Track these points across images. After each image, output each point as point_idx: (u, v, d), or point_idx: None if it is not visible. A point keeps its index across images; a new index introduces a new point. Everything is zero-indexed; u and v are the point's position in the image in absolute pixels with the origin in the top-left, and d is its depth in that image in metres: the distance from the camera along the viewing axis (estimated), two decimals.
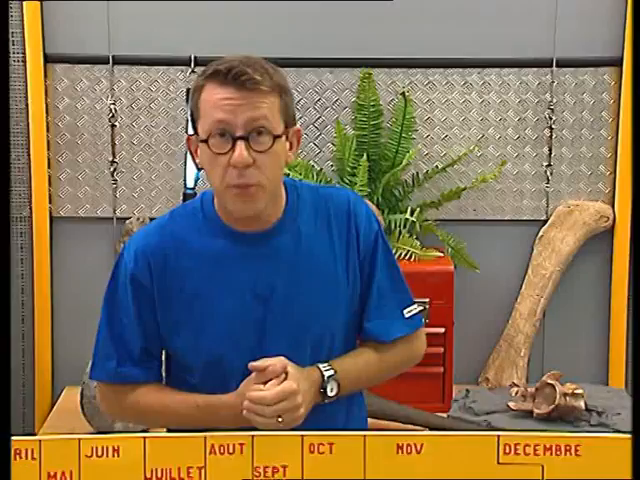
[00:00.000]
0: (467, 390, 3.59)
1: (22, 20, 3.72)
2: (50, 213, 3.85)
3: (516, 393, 3.39)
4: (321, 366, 2.12)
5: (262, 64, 2.07)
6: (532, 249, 3.87)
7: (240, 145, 2.01)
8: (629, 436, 1.61)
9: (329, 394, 2.11)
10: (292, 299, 2.16)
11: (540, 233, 3.86)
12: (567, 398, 3.24)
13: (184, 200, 3.75)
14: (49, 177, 3.83)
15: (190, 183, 3.76)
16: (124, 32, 3.77)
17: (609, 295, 3.88)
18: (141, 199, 3.87)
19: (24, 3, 3.70)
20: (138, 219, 3.84)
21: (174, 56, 3.77)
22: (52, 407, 3.79)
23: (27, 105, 3.78)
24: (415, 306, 2.29)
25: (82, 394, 3.55)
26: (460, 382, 3.66)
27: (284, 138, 2.10)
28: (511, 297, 3.89)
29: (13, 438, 1.59)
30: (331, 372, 2.12)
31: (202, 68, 3.51)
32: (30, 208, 3.83)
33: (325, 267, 2.20)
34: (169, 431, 2.23)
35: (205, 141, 2.05)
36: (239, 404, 2.03)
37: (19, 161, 3.82)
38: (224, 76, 2.02)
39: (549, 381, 3.32)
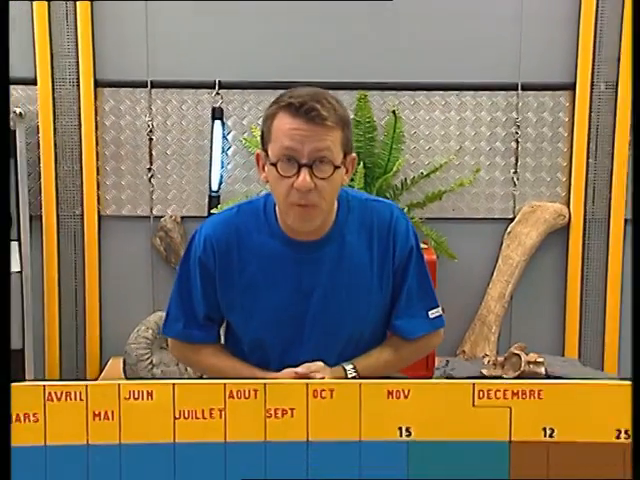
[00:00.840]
0: (447, 360, 3.60)
1: (77, 51, 3.69)
2: (98, 212, 3.82)
3: (488, 362, 3.40)
4: (347, 368, 2.10)
5: (329, 100, 2.01)
6: (502, 242, 3.82)
7: (304, 171, 1.95)
8: (579, 382, 1.64)
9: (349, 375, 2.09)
10: (330, 299, 2.12)
11: (508, 229, 3.81)
12: (530, 365, 3.25)
13: (209, 201, 3.74)
14: (97, 182, 3.79)
15: (214, 187, 3.76)
16: (160, 61, 3.73)
17: (565, 280, 3.84)
18: (173, 200, 3.82)
19: (79, 37, 3.66)
20: (171, 217, 3.80)
21: (201, 80, 3.73)
22: (100, 374, 3.76)
23: (80, 122, 3.73)
24: (439, 309, 2.23)
25: (124, 362, 3.53)
26: (441, 354, 3.59)
27: (342, 167, 2.04)
28: (484, 283, 3.83)
29: (65, 382, 1.59)
30: (354, 374, 2.10)
31: (225, 91, 3.61)
32: (82, 208, 3.79)
33: (362, 274, 2.15)
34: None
35: (274, 164, 1.98)
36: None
37: (73, 169, 3.77)
38: (296, 109, 1.95)
39: (515, 352, 3.33)
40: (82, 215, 3.79)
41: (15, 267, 3.42)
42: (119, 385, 1.57)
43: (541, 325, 3.87)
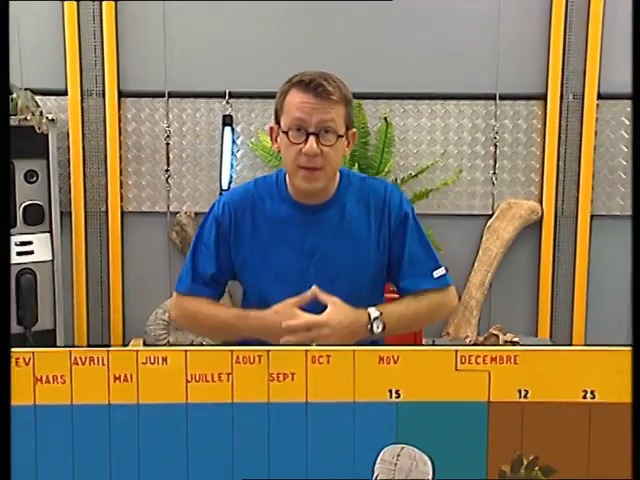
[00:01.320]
0: (433, 341, 3.60)
1: (102, 65, 3.69)
2: (121, 209, 3.81)
3: (469, 342, 3.39)
4: (370, 309, 2.06)
5: (334, 79, 2.07)
6: (482, 236, 3.81)
7: (312, 139, 2.01)
8: (550, 348, 1.64)
9: (375, 331, 2.05)
10: (331, 257, 2.12)
11: (488, 224, 3.80)
12: (507, 345, 3.22)
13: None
14: (120, 182, 3.78)
15: (225, 186, 3.75)
16: (176, 74, 3.73)
17: (538, 270, 3.83)
18: (188, 198, 3.81)
19: (105, 53, 3.66)
20: (185, 213, 3.79)
21: (213, 91, 3.73)
22: None
23: (105, 129, 3.73)
24: (443, 269, 2.21)
25: (144, 342, 3.54)
26: (428, 335, 3.59)
27: (344, 137, 2.08)
28: (466, 272, 3.82)
29: (89, 348, 1.65)
30: (377, 313, 2.05)
31: (234, 100, 3.60)
32: (107, 205, 3.79)
33: (359, 236, 2.16)
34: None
35: (286, 132, 2.05)
36: (268, 318, 2.03)
37: (99, 170, 3.76)
38: (306, 85, 2.02)
39: (494, 332, 3.33)
40: (107, 211, 3.79)
41: (47, 256, 3.41)
42: (137, 352, 1.55)
43: (517, 309, 3.86)
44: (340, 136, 2.05)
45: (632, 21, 1.62)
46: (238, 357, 1.55)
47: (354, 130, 2.15)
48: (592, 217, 3.76)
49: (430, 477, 1.58)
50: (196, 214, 3.78)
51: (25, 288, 3.31)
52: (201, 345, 3.30)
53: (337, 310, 2.02)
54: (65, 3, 3.62)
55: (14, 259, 3.29)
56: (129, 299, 3.87)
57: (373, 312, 2.05)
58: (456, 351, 1.55)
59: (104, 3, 3.64)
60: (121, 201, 3.80)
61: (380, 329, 2.05)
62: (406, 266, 2.17)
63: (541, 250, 3.80)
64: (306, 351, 1.57)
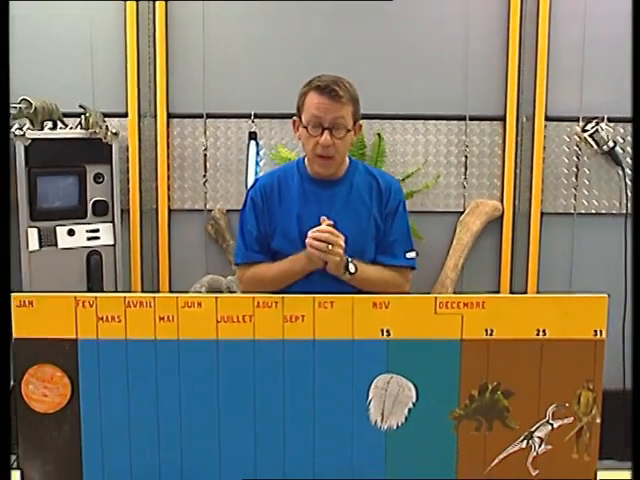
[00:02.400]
0: None
1: (155, 93, 3.66)
2: (168, 207, 3.76)
3: None
4: (350, 260, 2.06)
5: (345, 84, 2.10)
6: (455, 228, 3.75)
7: (326, 133, 2.05)
8: (511, 296, 1.72)
9: (350, 270, 2.05)
10: (342, 223, 2.09)
11: (460, 219, 3.74)
12: None
13: (245, 199, 3.68)
14: (168, 185, 3.74)
15: None
16: (212, 98, 3.69)
17: (500, 256, 3.77)
18: (221, 198, 3.76)
19: (157, 83, 3.63)
20: (219, 210, 3.74)
21: (241, 112, 3.69)
22: None
23: (156, 143, 3.70)
24: (414, 253, 2.22)
25: None
26: None
27: (352, 131, 2.12)
28: (442, 257, 3.76)
29: (140, 294, 1.62)
30: (353, 269, 2.06)
31: (258, 120, 3.57)
32: (157, 204, 3.75)
33: (362, 210, 2.16)
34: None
35: (305, 127, 2.08)
36: (304, 255, 2.05)
37: (151, 176, 3.72)
38: (321, 89, 2.06)
39: None
40: (157, 209, 3.75)
41: (111, 241, 3.39)
42: (177, 297, 1.53)
43: (483, 287, 3.79)
44: (349, 130, 2.08)
45: (632, 21, 1.56)
46: (259, 302, 1.54)
47: (360, 122, 2.16)
48: (542, 214, 3.71)
49: (414, 400, 1.56)
50: (227, 211, 3.74)
51: (93, 266, 3.29)
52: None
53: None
54: (128, 47, 3.61)
55: (85, 243, 3.28)
56: (174, 278, 3.82)
57: (351, 260, 2.06)
58: (435, 298, 1.54)
59: (157, 44, 3.62)
60: (168, 200, 3.76)
61: (353, 270, 2.05)
62: (387, 243, 2.17)
63: (502, 239, 3.75)
64: (314, 298, 1.55)
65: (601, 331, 1.51)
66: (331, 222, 2.02)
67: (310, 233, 2.00)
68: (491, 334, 1.52)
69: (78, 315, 1.51)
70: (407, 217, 2.23)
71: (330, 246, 1.98)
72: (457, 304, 1.52)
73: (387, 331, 1.53)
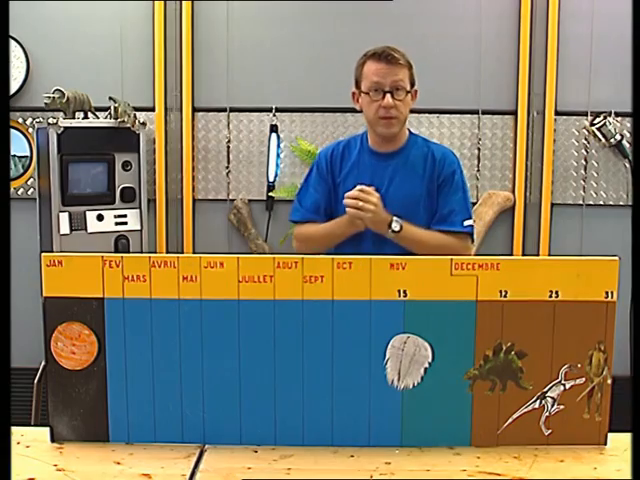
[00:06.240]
0: None
1: (180, 89, 3.65)
2: (193, 197, 3.75)
3: None
4: (394, 219, 2.07)
5: (399, 50, 2.12)
6: None
7: (387, 96, 2.08)
8: (525, 258, 1.66)
9: (394, 228, 2.05)
10: (394, 194, 2.12)
11: (474, 209, 3.66)
12: None
13: (267, 188, 3.68)
14: (192, 176, 3.72)
15: (271, 179, 3.69)
16: (235, 93, 3.68)
17: (512, 244, 3.71)
18: (243, 188, 3.73)
19: (183, 78, 3.62)
20: (241, 199, 3.71)
21: (263, 106, 3.66)
22: None
23: (182, 135, 3.68)
24: (472, 221, 2.18)
25: None
26: None
27: (410, 93, 2.14)
28: None
29: (164, 255, 1.62)
30: (399, 221, 2.06)
31: (279, 113, 3.55)
32: (182, 193, 3.73)
33: (415, 180, 2.15)
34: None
35: (367, 93, 2.10)
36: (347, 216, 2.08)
37: (176, 167, 3.71)
38: (379, 56, 2.09)
39: None
40: (182, 198, 3.73)
41: (137, 227, 3.36)
42: (200, 257, 1.51)
43: None
44: (408, 92, 2.10)
45: (632, 22, 1.54)
46: (279, 263, 1.51)
47: (416, 88, 2.17)
48: (552, 205, 3.66)
49: (430, 360, 1.52)
50: (249, 200, 3.73)
51: (121, 250, 3.28)
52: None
53: (381, 202, 2.06)
54: (156, 45, 3.61)
55: (113, 228, 3.26)
56: None
57: (396, 219, 2.06)
58: (451, 259, 1.50)
59: (183, 41, 3.61)
60: (192, 191, 3.74)
61: (397, 229, 2.05)
62: (444, 214, 2.15)
63: (514, 229, 3.69)
64: (332, 259, 1.52)
65: (612, 293, 1.48)
66: (367, 188, 2.03)
67: (347, 194, 2.04)
68: (505, 295, 1.49)
69: (105, 275, 1.49)
70: (464, 187, 2.21)
71: (360, 202, 2.00)
72: (472, 266, 1.49)
73: (404, 292, 1.50)
